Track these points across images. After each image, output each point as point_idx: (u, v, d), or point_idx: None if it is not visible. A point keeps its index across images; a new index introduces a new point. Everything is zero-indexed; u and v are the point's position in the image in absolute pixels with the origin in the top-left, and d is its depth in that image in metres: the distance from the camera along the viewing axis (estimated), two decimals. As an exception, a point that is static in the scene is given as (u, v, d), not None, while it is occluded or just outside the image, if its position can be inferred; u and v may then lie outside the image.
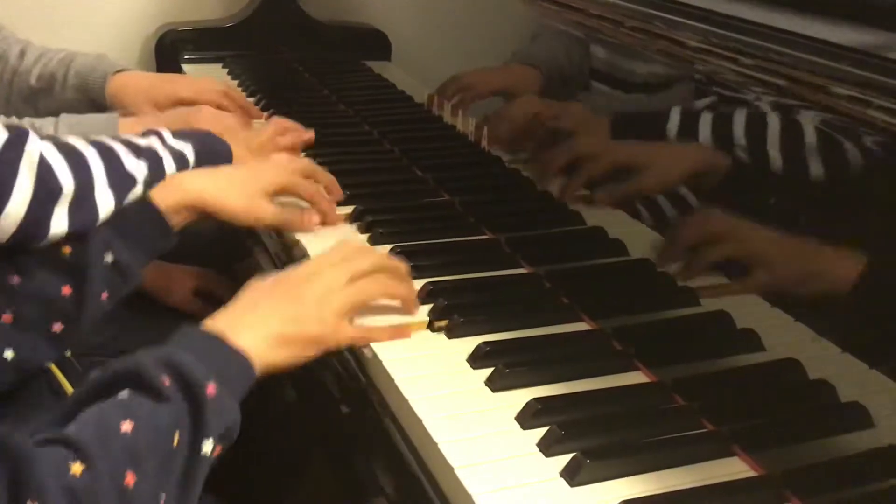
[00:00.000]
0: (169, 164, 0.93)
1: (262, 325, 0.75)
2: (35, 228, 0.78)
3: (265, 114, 1.42)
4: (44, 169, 0.78)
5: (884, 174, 0.70)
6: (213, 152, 1.02)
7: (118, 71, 1.30)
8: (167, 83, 1.31)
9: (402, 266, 0.87)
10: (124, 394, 0.65)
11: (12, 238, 0.78)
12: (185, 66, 1.72)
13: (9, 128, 0.77)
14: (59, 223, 0.80)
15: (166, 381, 0.65)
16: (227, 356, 0.72)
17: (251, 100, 1.47)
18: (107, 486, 0.58)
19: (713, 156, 0.87)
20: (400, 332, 0.82)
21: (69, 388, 0.90)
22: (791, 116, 0.78)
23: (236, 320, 0.76)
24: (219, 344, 0.72)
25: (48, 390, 0.91)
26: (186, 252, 1.22)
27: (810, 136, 0.76)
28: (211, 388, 0.67)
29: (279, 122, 1.22)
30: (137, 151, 0.90)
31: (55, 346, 0.82)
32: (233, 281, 1.27)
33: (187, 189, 0.92)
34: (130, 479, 0.59)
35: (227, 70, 1.70)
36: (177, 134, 0.98)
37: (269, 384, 0.75)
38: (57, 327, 0.81)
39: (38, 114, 1.15)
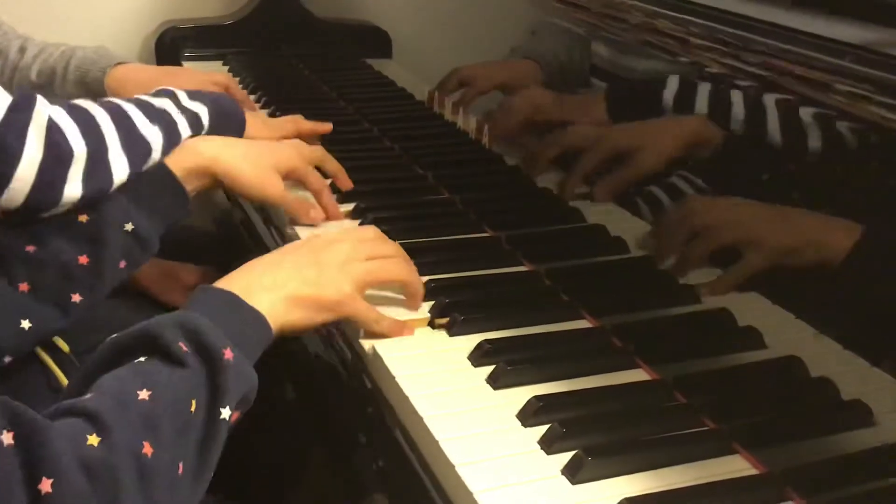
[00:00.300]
0: (184, 128, 0.93)
1: (280, 286, 0.75)
2: (48, 193, 0.78)
3: (264, 111, 1.42)
4: (53, 132, 0.77)
5: (884, 170, 0.70)
6: (227, 114, 1.02)
7: (118, 64, 1.30)
8: (167, 76, 1.31)
9: (408, 258, 0.87)
10: (141, 360, 0.64)
11: (26, 204, 0.77)
12: (185, 64, 1.72)
13: (14, 92, 0.76)
14: (73, 188, 0.79)
15: (184, 346, 0.65)
16: (245, 319, 0.71)
17: (251, 97, 1.47)
18: (124, 457, 0.57)
19: (709, 128, 0.86)
20: (404, 327, 0.82)
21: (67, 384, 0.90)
22: (791, 112, 0.78)
23: (255, 281, 0.75)
24: (236, 306, 0.72)
25: (46, 388, 0.91)
26: (186, 250, 1.23)
27: (810, 132, 0.75)
28: (228, 354, 0.66)
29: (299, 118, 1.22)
30: (152, 115, 0.89)
31: (69, 314, 0.81)
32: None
33: (202, 153, 0.92)
34: (148, 448, 0.59)
35: (227, 67, 1.70)
36: (192, 95, 0.98)
37: (268, 383, 0.75)
38: (75, 297, 0.80)
39: None
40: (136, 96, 0.94)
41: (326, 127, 1.21)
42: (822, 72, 0.70)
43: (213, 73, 1.37)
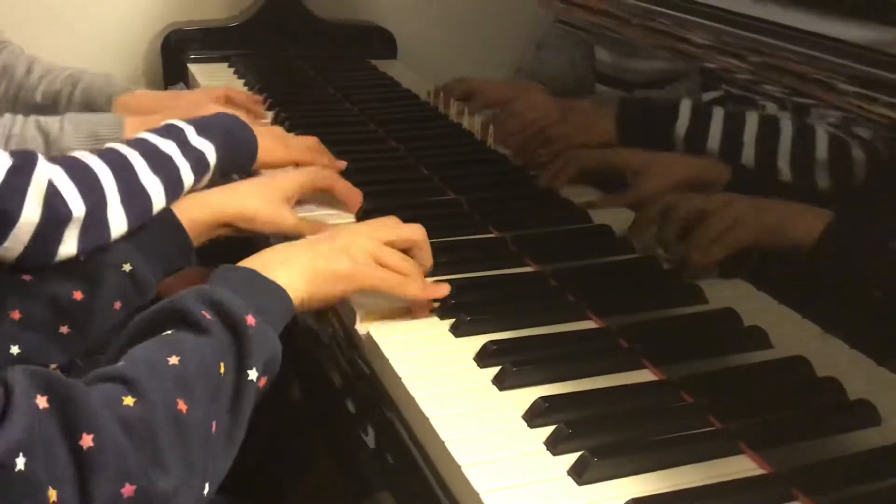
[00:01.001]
0: (187, 175, 0.92)
1: (295, 261, 0.78)
2: (42, 252, 0.78)
3: (270, 113, 1.43)
4: (52, 195, 0.78)
5: (889, 170, 0.70)
6: (238, 143, 1.03)
7: (124, 90, 1.30)
8: (171, 99, 1.32)
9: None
10: (168, 332, 0.66)
11: (18, 261, 0.78)
12: (190, 66, 1.72)
13: (15, 154, 0.76)
14: (69, 247, 0.80)
15: (207, 314, 0.67)
16: (264, 290, 0.74)
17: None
18: (160, 414, 0.59)
19: (717, 168, 0.86)
20: (436, 288, 0.84)
21: None
22: (797, 113, 0.77)
23: (271, 258, 0.78)
24: (255, 279, 0.75)
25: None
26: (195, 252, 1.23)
27: (816, 133, 0.75)
28: (250, 319, 0.68)
29: (316, 140, 1.21)
30: (155, 163, 0.89)
31: (62, 349, 0.81)
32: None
33: (208, 203, 0.93)
34: (182, 405, 0.61)
35: (232, 69, 1.70)
36: (201, 128, 0.97)
37: (274, 383, 0.75)
38: (64, 329, 0.81)
39: None
40: (142, 135, 0.93)
41: (342, 165, 1.20)
42: (829, 72, 0.70)
43: (211, 90, 1.37)
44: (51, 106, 1.30)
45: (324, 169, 1.10)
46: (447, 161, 1.24)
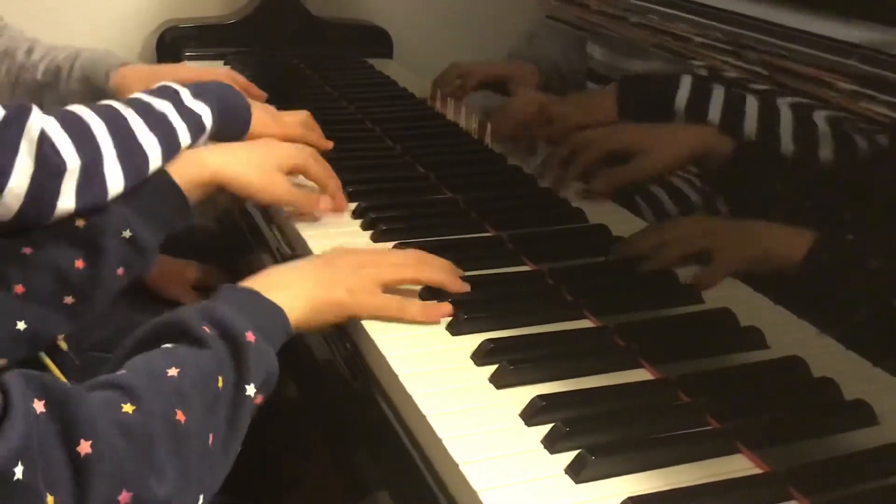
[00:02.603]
0: (184, 135, 0.92)
1: (295, 286, 0.79)
2: (40, 206, 0.78)
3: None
4: (45, 146, 0.77)
5: (888, 169, 0.70)
6: (232, 110, 1.02)
7: (122, 64, 1.30)
8: (170, 71, 1.32)
9: (446, 263, 0.89)
10: (168, 346, 0.67)
11: (17, 217, 0.77)
12: (186, 64, 1.72)
13: (9, 107, 0.76)
14: (67, 200, 0.79)
15: (207, 329, 0.68)
16: (264, 309, 0.75)
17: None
18: (158, 422, 0.60)
19: (715, 140, 0.86)
20: (438, 311, 0.83)
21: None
22: (791, 111, 0.78)
23: (272, 280, 0.79)
24: (256, 299, 0.75)
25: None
26: (189, 248, 1.23)
27: (812, 132, 0.76)
28: (250, 335, 0.69)
29: (307, 113, 1.21)
30: (151, 121, 0.88)
31: (68, 319, 0.81)
32: (234, 275, 1.26)
33: (206, 164, 0.92)
34: (180, 415, 0.61)
35: (228, 67, 1.69)
36: (196, 91, 0.96)
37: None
38: (69, 300, 0.80)
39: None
40: (136, 95, 0.93)
41: (329, 144, 1.20)
42: (828, 71, 0.70)
43: (212, 68, 1.37)
44: (52, 82, 1.30)
45: (319, 161, 1.08)
46: (444, 160, 1.24)
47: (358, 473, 0.79)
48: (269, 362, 0.71)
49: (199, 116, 0.95)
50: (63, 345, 0.92)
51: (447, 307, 0.83)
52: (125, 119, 0.86)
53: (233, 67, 1.67)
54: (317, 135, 1.18)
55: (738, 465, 0.67)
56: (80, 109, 0.84)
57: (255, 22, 1.81)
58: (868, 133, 0.71)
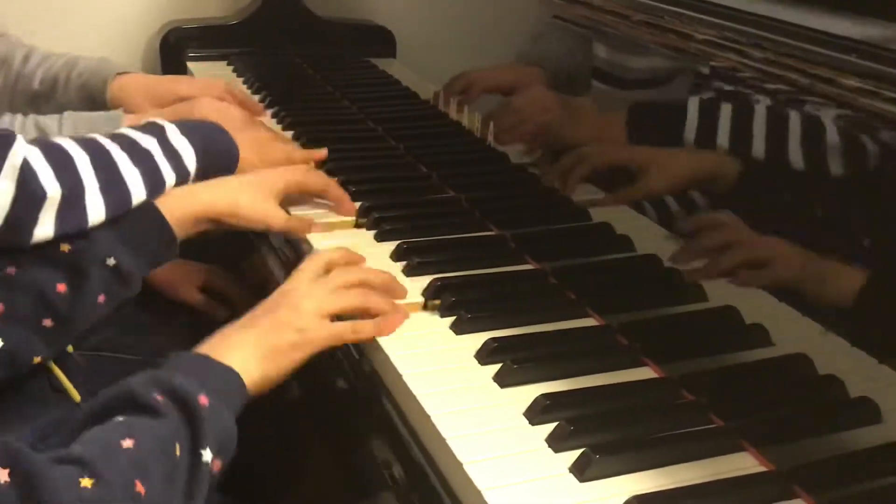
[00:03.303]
0: (168, 173, 0.92)
1: (244, 343, 0.77)
2: (17, 232, 0.78)
3: (269, 111, 1.42)
4: (27, 175, 0.78)
5: (891, 165, 0.70)
6: (218, 150, 1.01)
7: (120, 73, 1.30)
8: (168, 83, 1.32)
9: (387, 277, 0.87)
10: (119, 417, 0.65)
11: None
12: (189, 64, 1.72)
13: None
14: (45, 228, 0.80)
15: (159, 397, 0.66)
16: (216, 372, 0.73)
17: (256, 97, 1.47)
18: (119, 496, 0.59)
19: (724, 161, 0.86)
20: (393, 320, 0.82)
21: (69, 386, 0.90)
22: (798, 109, 0.77)
23: (221, 343, 0.77)
24: (206, 362, 0.74)
25: (49, 388, 0.91)
26: (192, 249, 1.23)
27: (818, 130, 0.75)
28: (203, 399, 0.68)
29: (295, 146, 1.21)
30: (135, 157, 0.89)
31: (46, 343, 0.81)
32: (238, 277, 1.27)
33: (198, 199, 0.92)
34: (140, 487, 0.60)
35: (231, 67, 1.70)
36: (183, 128, 0.96)
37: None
38: (47, 323, 0.80)
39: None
40: (122, 130, 0.93)
41: (322, 153, 1.19)
42: (834, 69, 0.70)
43: (210, 80, 1.36)
44: (49, 91, 1.30)
45: (315, 171, 1.08)
46: (446, 159, 1.24)
47: (362, 473, 0.79)
48: (226, 424, 0.69)
49: (182, 156, 0.94)
50: (67, 347, 0.93)
51: (401, 316, 0.82)
52: (108, 153, 0.87)
53: (235, 68, 1.68)
54: (301, 154, 1.17)
55: (743, 464, 0.66)
56: (63, 141, 0.85)
57: (258, 22, 1.81)
58: (873, 132, 0.70)
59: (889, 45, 0.67)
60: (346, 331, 0.81)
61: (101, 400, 0.67)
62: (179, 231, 0.90)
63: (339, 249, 0.91)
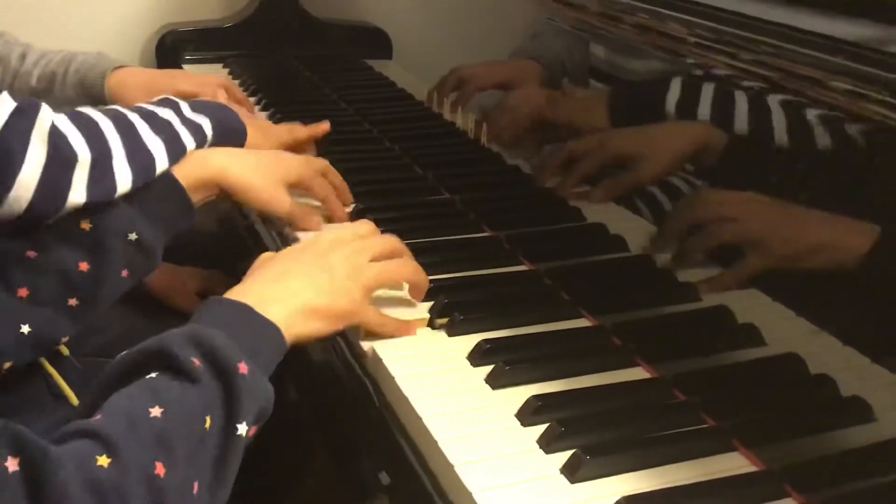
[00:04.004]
0: (188, 140, 0.92)
1: (293, 297, 0.74)
2: (51, 198, 0.77)
3: (265, 113, 1.43)
4: (56, 137, 0.77)
5: (883, 167, 0.70)
6: (229, 127, 1.01)
7: (117, 67, 1.30)
8: (166, 77, 1.32)
9: (408, 252, 0.87)
10: (153, 375, 0.63)
11: (29, 209, 0.77)
12: (185, 67, 1.72)
13: (18, 99, 0.76)
14: (77, 194, 0.79)
15: (196, 361, 0.63)
16: (260, 331, 0.70)
17: (252, 99, 1.48)
18: (135, 479, 0.56)
19: (712, 134, 0.86)
20: (408, 327, 0.82)
21: (68, 390, 0.90)
22: (789, 110, 0.78)
23: (266, 291, 0.74)
24: (251, 318, 0.70)
25: (47, 392, 0.91)
26: (188, 253, 1.23)
27: (809, 130, 0.75)
28: (243, 367, 0.64)
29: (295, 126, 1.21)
30: (155, 126, 0.89)
31: (72, 321, 0.80)
32: (236, 281, 1.27)
33: (212, 165, 0.92)
34: (160, 468, 0.57)
35: (227, 70, 1.70)
36: (195, 106, 0.97)
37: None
38: (73, 302, 0.80)
39: None
40: (138, 105, 0.93)
41: (323, 127, 1.19)
42: (823, 70, 0.70)
43: (208, 77, 1.37)
44: (46, 88, 1.30)
45: (326, 176, 1.07)
46: (441, 160, 1.24)
47: (356, 476, 0.79)
48: (264, 393, 0.67)
49: (200, 125, 0.95)
50: (65, 350, 0.93)
51: (416, 325, 0.82)
52: (131, 122, 0.87)
53: (232, 70, 1.68)
54: (306, 131, 1.18)
55: (735, 463, 0.67)
56: (87, 109, 0.85)
57: (254, 24, 1.82)
58: (865, 131, 0.70)
59: (879, 47, 0.67)
60: (378, 322, 0.80)
61: (134, 354, 0.64)
62: (193, 196, 0.90)
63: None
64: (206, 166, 0.92)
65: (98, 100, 1.28)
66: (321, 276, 0.77)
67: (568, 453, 0.65)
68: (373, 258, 0.82)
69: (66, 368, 0.93)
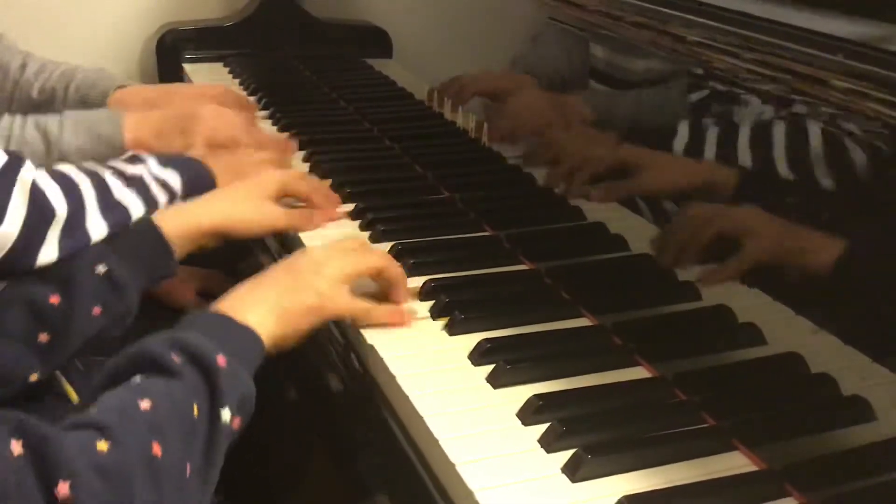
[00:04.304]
0: (159, 194, 0.93)
1: (263, 301, 0.77)
2: (25, 251, 0.78)
3: (265, 112, 1.43)
4: (37, 194, 0.78)
5: (884, 166, 0.70)
6: (196, 177, 1.01)
7: (118, 87, 1.30)
8: (166, 95, 1.31)
9: (400, 270, 0.87)
10: (136, 378, 0.66)
11: (2, 261, 0.77)
12: (185, 66, 1.72)
13: (4, 153, 0.77)
14: (50, 249, 0.80)
15: (176, 358, 0.67)
16: (234, 333, 0.73)
17: (252, 98, 1.48)
18: (135, 459, 0.59)
19: (717, 170, 0.86)
20: (399, 315, 0.83)
21: (71, 392, 0.90)
22: (790, 110, 0.78)
23: (238, 301, 0.77)
24: (224, 322, 0.74)
25: (49, 392, 0.90)
26: (189, 254, 1.23)
27: (811, 131, 0.75)
28: (221, 359, 0.68)
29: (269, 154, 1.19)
30: (127, 181, 0.90)
31: (42, 359, 0.80)
32: (236, 281, 1.27)
33: (192, 214, 0.92)
34: (157, 449, 0.60)
35: (228, 69, 1.70)
36: (161, 160, 0.98)
37: (269, 383, 0.75)
38: (43, 337, 0.80)
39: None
40: (109, 163, 0.94)
41: (287, 144, 1.20)
42: (823, 69, 0.70)
43: (207, 86, 1.37)
44: (47, 102, 1.30)
45: (303, 175, 1.08)
46: (442, 160, 1.24)
47: (356, 476, 0.79)
48: (244, 384, 0.70)
49: (167, 181, 0.95)
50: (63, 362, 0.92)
51: (406, 317, 0.83)
52: (103, 177, 0.88)
53: (232, 70, 1.68)
54: (267, 154, 1.16)
55: (735, 463, 0.67)
56: (65, 167, 0.86)
57: (254, 24, 1.82)
58: (867, 132, 0.70)
59: (880, 45, 0.67)
60: (362, 309, 0.82)
61: (119, 360, 0.68)
62: (177, 248, 0.90)
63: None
64: (185, 217, 0.92)
65: None
66: (286, 277, 0.80)
67: (569, 453, 0.65)
68: (357, 271, 0.83)
69: (67, 368, 0.93)
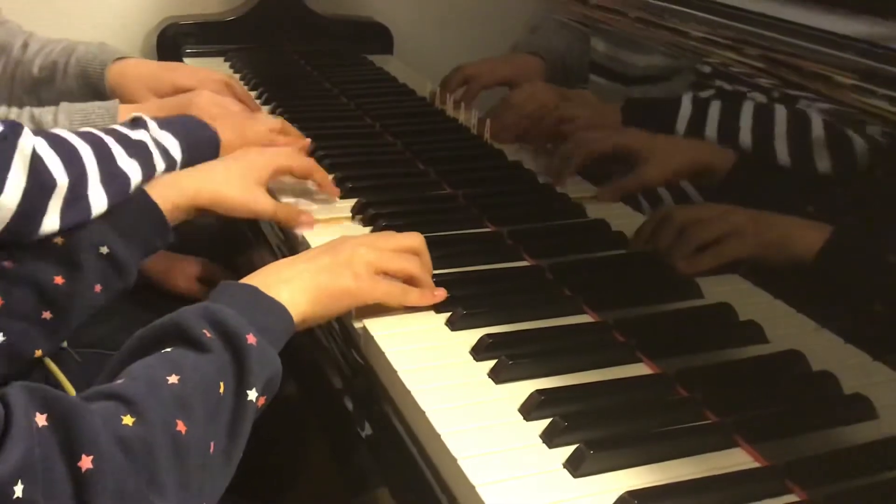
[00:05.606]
0: (158, 161, 0.93)
1: (298, 279, 0.77)
2: (27, 222, 0.78)
3: (266, 107, 1.42)
4: (37, 162, 0.78)
5: (888, 163, 0.70)
6: (198, 139, 1.02)
7: (119, 59, 1.30)
8: (167, 71, 1.31)
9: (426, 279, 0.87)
10: (167, 350, 0.66)
11: (5, 230, 0.77)
12: (186, 60, 1.72)
13: (3, 122, 0.77)
14: (52, 219, 0.80)
15: (207, 332, 0.67)
16: (266, 308, 0.73)
17: (253, 93, 1.47)
18: (159, 434, 0.59)
19: (716, 152, 0.86)
20: (433, 295, 0.84)
21: (66, 382, 0.90)
22: (793, 106, 0.78)
23: (273, 275, 0.78)
24: (257, 297, 0.74)
25: (45, 384, 0.90)
26: (189, 245, 1.23)
27: (813, 126, 0.75)
28: (251, 338, 0.68)
29: (281, 121, 1.21)
30: (130, 148, 0.89)
31: (47, 336, 0.81)
32: (235, 274, 1.27)
33: (184, 188, 0.92)
34: (181, 426, 0.60)
35: (229, 64, 1.70)
36: (161, 123, 0.97)
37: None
38: (47, 315, 0.81)
39: (41, 103, 1.15)
40: (112, 127, 0.94)
41: (304, 142, 1.18)
42: (830, 66, 0.70)
43: (209, 72, 1.36)
44: (48, 78, 1.30)
45: (301, 154, 1.08)
46: (444, 156, 1.24)
47: (357, 470, 0.79)
48: (272, 364, 0.70)
49: (167, 149, 0.95)
50: (64, 342, 0.93)
51: (442, 292, 0.84)
52: (107, 146, 0.87)
53: (233, 64, 1.68)
54: (291, 139, 1.17)
55: (737, 460, 0.67)
56: (65, 133, 0.86)
57: (256, 18, 1.82)
58: (870, 129, 0.70)
59: (886, 43, 0.67)
60: (396, 292, 0.82)
61: (151, 329, 0.68)
62: (169, 219, 0.90)
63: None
64: (178, 189, 0.92)
65: (100, 91, 1.28)
66: (323, 257, 0.81)
67: (571, 448, 0.65)
68: (385, 269, 0.83)
69: (64, 360, 0.93)
